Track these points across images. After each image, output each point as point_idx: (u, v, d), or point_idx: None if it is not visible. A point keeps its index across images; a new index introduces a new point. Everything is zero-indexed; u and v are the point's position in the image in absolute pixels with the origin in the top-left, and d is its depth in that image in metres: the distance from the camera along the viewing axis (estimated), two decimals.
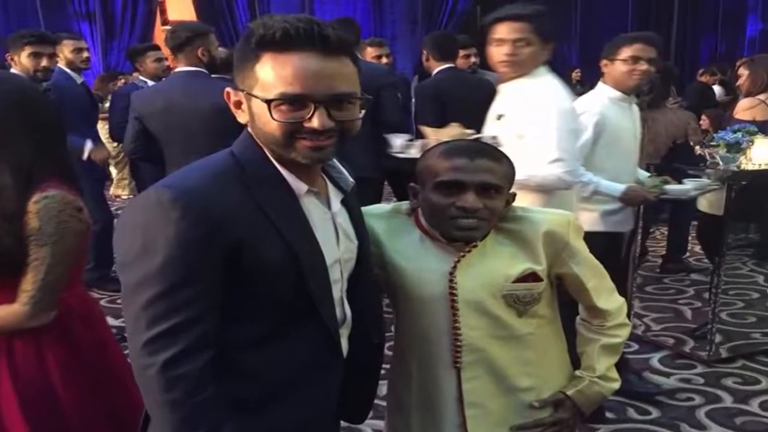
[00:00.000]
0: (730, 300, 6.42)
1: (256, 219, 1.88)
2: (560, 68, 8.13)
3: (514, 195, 2.40)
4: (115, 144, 9.83)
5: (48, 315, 2.64)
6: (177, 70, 5.34)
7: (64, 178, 2.68)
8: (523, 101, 3.87)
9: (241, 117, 1.99)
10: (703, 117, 8.68)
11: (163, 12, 17.40)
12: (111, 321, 5.30)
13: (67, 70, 7.19)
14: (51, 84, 6.57)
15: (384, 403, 2.65)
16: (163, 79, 7.17)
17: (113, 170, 12.22)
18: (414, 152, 4.44)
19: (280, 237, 1.90)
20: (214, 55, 5.30)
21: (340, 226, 2.11)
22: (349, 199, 2.18)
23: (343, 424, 2.36)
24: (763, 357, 5.75)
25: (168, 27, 13.07)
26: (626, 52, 4.61)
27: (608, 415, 4.76)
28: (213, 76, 5.32)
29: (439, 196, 2.28)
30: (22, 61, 6.32)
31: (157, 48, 8.40)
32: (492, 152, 2.37)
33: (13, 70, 6.22)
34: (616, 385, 2.54)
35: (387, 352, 2.43)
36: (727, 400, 5.07)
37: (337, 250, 2.09)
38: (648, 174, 5.10)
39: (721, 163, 5.43)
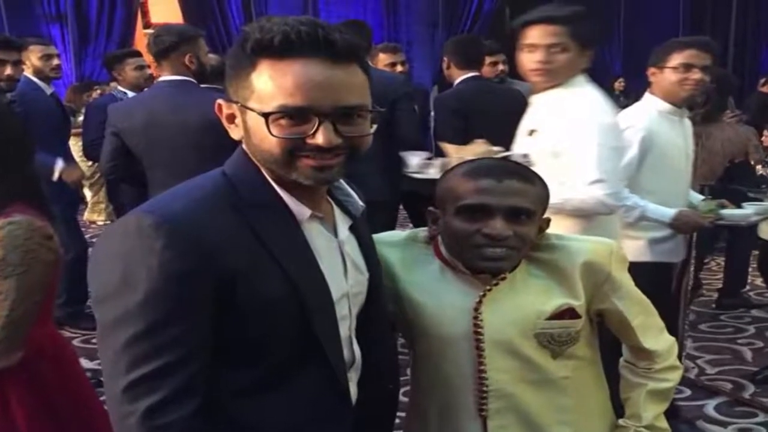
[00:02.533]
0: None
1: (252, 248, 1.89)
2: (601, 77, 8.10)
3: (548, 221, 2.41)
4: (90, 163, 9.88)
5: (13, 356, 2.64)
6: (161, 79, 5.36)
7: (31, 201, 2.70)
8: (559, 115, 3.87)
9: (235, 132, 1.99)
10: (765, 132, 8.68)
11: (145, 14, 17.45)
12: (85, 363, 5.34)
13: (35, 80, 7.22)
14: (16, 95, 6.59)
15: None
16: (145, 89, 7.19)
17: (88, 193, 12.24)
18: (433, 172, 4.44)
19: (279, 269, 1.91)
20: (203, 63, 5.32)
21: (348, 256, 2.12)
22: (358, 226, 2.20)
23: None
24: None
25: (151, 30, 13.17)
26: (677, 59, 4.61)
27: None
28: (202, 86, 5.35)
29: (463, 221, 2.29)
30: None
31: (137, 54, 8.41)
32: (523, 172, 2.37)
33: None
34: None
35: (402, 398, 2.43)
36: None
37: (345, 283, 2.10)
38: (702, 197, 5.11)
39: None
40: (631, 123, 4.50)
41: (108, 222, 11.54)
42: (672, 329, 2.66)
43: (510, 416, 2.37)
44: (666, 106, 4.67)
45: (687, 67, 4.59)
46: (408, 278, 2.41)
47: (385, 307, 2.32)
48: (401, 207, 7.22)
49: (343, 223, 2.13)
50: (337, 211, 2.14)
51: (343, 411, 2.11)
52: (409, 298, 2.39)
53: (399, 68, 7.55)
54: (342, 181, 2.14)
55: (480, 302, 2.34)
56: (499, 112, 5.76)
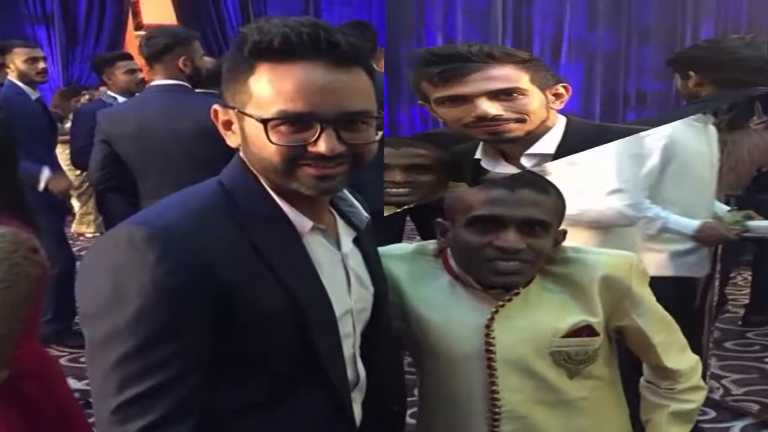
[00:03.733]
0: None
1: (250, 262, 1.88)
2: None
3: (564, 233, 2.41)
4: (78, 172, 9.86)
5: None
6: (153, 83, 5.38)
7: (15, 212, 2.70)
8: None
9: (232, 140, 1.99)
10: None
11: (137, 14, 17.43)
12: (73, 383, 5.32)
13: (20, 84, 7.21)
14: (0, 100, 6.60)
15: None
16: (137, 94, 7.19)
17: (75, 203, 12.23)
18: None
19: (279, 283, 1.90)
20: (198, 66, 5.33)
21: (352, 270, 2.12)
22: (363, 238, 2.19)
23: None
24: None
25: (142, 32, 13.17)
26: None
27: None
28: (197, 90, 5.36)
29: (473, 234, 2.29)
30: None
31: (128, 57, 8.40)
32: (537, 182, 2.38)
33: None
34: None
35: (409, 420, 2.43)
36: None
37: (349, 298, 2.10)
38: (728, 208, 5.09)
39: None
40: (652, 129, 4.49)
41: (97, 234, 11.53)
42: (695, 347, 2.65)
43: None
44: None
45: None
46: (415, 293, 2.41)
47: (391, 324, 2.32)
48: (408, 218, 7.22)
49: (346, 236, 2.13)
50: (340, 223, 2.13)
51: None
52: (416, 315, 2.39)
53: None
54: (346, 191, 2.13)
55: (492, 319, 2.33)
56: None
